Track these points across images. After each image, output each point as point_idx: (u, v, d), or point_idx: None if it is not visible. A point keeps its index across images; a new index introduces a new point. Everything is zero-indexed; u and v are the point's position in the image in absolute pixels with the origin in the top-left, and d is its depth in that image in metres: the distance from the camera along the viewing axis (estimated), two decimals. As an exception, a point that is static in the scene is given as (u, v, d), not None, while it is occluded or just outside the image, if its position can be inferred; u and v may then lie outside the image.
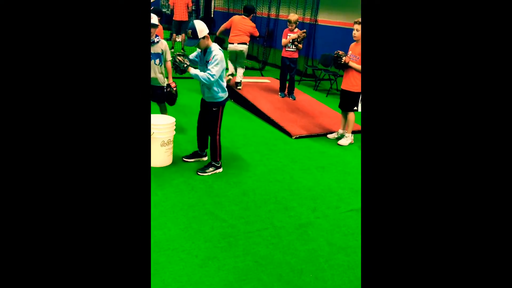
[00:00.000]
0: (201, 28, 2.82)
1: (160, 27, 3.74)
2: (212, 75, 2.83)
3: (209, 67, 2.84)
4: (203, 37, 2.84)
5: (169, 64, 3.59)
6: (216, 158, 3.13)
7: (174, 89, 3.53)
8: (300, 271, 2.06)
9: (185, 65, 2.88)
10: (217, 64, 2.83)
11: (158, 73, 3.55)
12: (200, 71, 2.93)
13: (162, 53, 3.53)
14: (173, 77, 3.65)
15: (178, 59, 2.89)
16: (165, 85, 3.60)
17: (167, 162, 3.21)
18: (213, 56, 2.84)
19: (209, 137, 3.15)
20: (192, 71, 2.88)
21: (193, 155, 3.35)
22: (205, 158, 3.37)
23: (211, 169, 3.13)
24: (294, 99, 5.39)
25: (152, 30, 3.40)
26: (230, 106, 5.18)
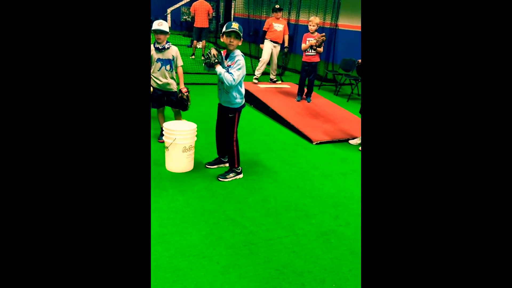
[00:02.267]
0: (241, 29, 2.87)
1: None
2: (234, 79, 2.84)
3: (231, 71, 2.86)
4: (241, 37, 2.87)
5: (180, 70, 3.62)
6: (234, 164, 3.13)
7: (186, 94, 3.57)
8: (322, 280, 2.02)
9: (215, 61, 2.84)
10: (239, 68, 2.86)
11: (170, 79, 3.59)
12: None
13: (173, 59, 3.57)
14: (184, 83, 3.69)
15: (212, 53, 2.85)
16: (177, 90, 3.65)
17: (188, 168, 3.23)
18: (236, 61, 2.86)
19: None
20: (219, 69, 2.85)
21: (216, 161, 3.37)
22: (228, 164, 3.38)
23: (231, 175, 3.13)
24: (309, 102, 5.39)
25: (162, 36, 3.44)
26: (250, 112, 5.19)
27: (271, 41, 6.42)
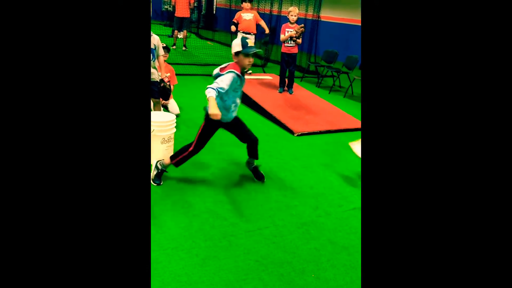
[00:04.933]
0: (236, 43, 2.57)
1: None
2: (213, 88, 2.43)
3: (217, 79, 2.52)
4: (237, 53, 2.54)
5: (161, 59, 3.56)
6: (173, 159, 2.77)
7: (168, 83, 3.51)
8: (301, 270, 2.03)
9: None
10: (225, 79, 2.50)
11: (152, 68, 3.51)
12: (239, 95, 2.73)
13: (155, 48, 3.49)
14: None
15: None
16: (158, 80, 3.57)
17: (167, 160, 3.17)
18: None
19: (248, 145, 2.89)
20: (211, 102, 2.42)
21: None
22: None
23: (156, 169, 2.81)
24: (291, 93, 5.39)
25: None
26: (232, 103, 5.15)
27: (243, 32, 6.37)
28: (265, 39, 6.95)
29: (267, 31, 6.63)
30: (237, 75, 2.56)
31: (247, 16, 6.37)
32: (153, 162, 3.04)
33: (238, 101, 2.74)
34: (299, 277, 1.98)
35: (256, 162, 3.08)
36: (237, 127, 2.84)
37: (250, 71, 6.77)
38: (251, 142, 2.90)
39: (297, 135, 4.15)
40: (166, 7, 14.57)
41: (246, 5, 6.39)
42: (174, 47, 8.86)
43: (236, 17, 6.46)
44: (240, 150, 3.62)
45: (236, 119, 2.82)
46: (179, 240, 2.18)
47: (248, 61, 2.56)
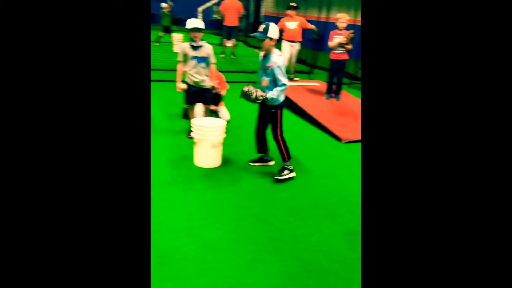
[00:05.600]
0: (274, 29, 2.88)
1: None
2: (283, 84, 2.88)
3: (277, 77, 2.87)
4: (270, 38, 2.87)
5: (213, 67, 3.71)
6: (284, 158, 3.11)
7: (218, 90, 3.65)
8: (348, 280, 2.00)
9: (257, 96, 2.89)
10: (282, 71, 2.88)
11: (204, 76, 3.66)
12: (259, 75, 3.04)
13: (208, 57, 3.64)
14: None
15: (250, 91, 2.92)
16: (210, 87, 3.71)
17: (216, 164, 3.28)
18: (274, 63, 2.87)
19: (273, 141, 3.14)
20: (269, 95, 2.90)
21: (259, 160, 3.37)
22: (272, 163, 3.38)
23: (285, 172, 3.11)
24: (338, 100, 5.32)
25: (198, 34, 3.52)
26: (278, 110, 5.19)
27: (287, 40, 6.37)
28: (313, 35, 6.91)
29: (314, 28, 6.66)
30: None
31: (292, 25, 6.37)
32: (201, 164, 3.16)
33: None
34: (345, 287, 1.95)
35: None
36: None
37: (297, 78, 6.79)
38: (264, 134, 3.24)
39: (345, 142, 4.09)
40: (215, 16, 15.06)
41: (291, 12, 6.42)
42: (223, 55, 9.12)
43: (279, 25, 6.51)
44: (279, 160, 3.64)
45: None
46: (226, 242, 2.24)
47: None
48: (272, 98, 2.92)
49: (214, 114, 4.32)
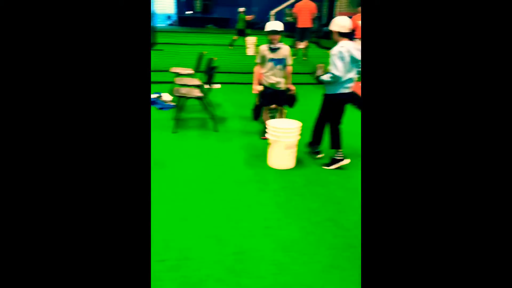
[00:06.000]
0: (341, 24, 3.06)
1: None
2: (331, 73, 3.06)
3: (330, 65, 3.07)
4: (336, 32, 3.07)
5: (290, 69, 3.71)
6: (336, 146, 3.27)
7: (293, 92, 3.68)
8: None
9: (317, 74, 3.21)
10: (334, 61, 3.05)
11: (280, 78, 3.68)
12: None
13: (285, 58, 3.65)
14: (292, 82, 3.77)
15: (316, 67, 3.25)
16: (285, 88, 3.72)
17: (290, 165, 3.28)
18: (330, 52, 3.09)
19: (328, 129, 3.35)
20: (322, 76, 3.18)
21: (332, 162, 3.35)
22: (321, 155, 3.54)
23: (337, 161, 3.28)
24: None
25: (277, 36, 3.55)
26: (353, 112, 5.02)
27: (359, 39, 6.11)
28: None
29: None
30: None
31: None
32: (275, 165, 3.19)
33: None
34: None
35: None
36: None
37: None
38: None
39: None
40: (288, 18, 15.13)
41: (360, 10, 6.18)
42: (294, 57, 9.12)
43: (353, 25, 6.28)
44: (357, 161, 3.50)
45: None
46: (302, 244, 2.22)
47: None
48: (323, 82, 3.14)
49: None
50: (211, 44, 12.36)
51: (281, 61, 3.64)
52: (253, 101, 4.33)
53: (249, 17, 11.36)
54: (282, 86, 3.74)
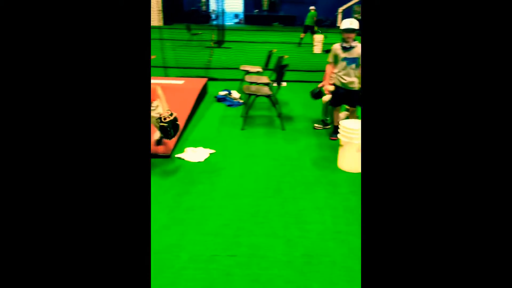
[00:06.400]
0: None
1: None
2: None
3: None
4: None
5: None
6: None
7: None
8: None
9: None
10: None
11: (354, 77, 3.55)
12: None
13: (359, 58, 3.51)
14: None
15: None
16: (358, 89, 3.58)
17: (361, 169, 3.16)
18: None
19: None
20: None
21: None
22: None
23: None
24: None
25: (351, 35, 3.42)
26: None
27: None
28: None
29: None
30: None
31: None
32: (345, 168, 3.09)
33: None
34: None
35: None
36: None
37: None
38: None
39: None
40: (356, 15, 14.62)
41: None
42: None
43: None
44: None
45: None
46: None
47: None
48: None
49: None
50: (277, 42, 12.40)
51: (354, 60, 3.51)
52: (320, 100, 4.26)
53: (314, 17, 11.23)
54: (355, 86, 3.60)
